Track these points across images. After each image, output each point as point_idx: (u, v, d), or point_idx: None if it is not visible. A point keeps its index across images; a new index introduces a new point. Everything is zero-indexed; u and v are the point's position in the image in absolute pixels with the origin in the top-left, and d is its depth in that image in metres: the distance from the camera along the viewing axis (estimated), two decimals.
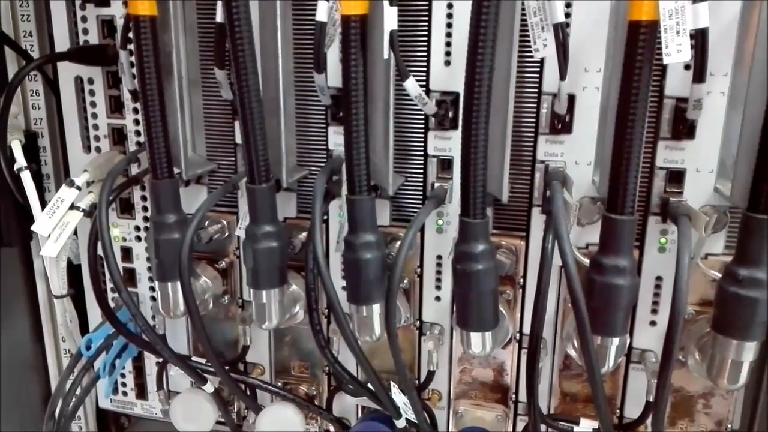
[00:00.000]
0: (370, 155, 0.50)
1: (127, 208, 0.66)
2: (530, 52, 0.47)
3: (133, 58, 0.56)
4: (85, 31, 0.61)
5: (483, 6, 0.42)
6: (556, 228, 0.46)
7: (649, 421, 0.54)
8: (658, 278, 0.54)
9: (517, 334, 0.59)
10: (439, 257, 0.58)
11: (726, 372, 0.47)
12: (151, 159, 0.55)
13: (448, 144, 0.55)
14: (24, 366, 0.75)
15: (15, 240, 0.68)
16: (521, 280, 0.57)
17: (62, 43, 0.62)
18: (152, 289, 0.68)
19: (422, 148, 0.56)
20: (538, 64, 0.51)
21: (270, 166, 0.53)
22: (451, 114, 0.54)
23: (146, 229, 0.66)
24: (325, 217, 0.60)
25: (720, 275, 0.46)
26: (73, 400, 0.66)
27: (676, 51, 0.42)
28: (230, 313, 0.67)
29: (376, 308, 0.53)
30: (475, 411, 0.62)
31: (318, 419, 0.68)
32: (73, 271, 0.68)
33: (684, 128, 0.50)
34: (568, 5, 0.49)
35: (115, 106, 0.63)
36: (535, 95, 0.52)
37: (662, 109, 0.50)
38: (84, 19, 0.60)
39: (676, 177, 0.51)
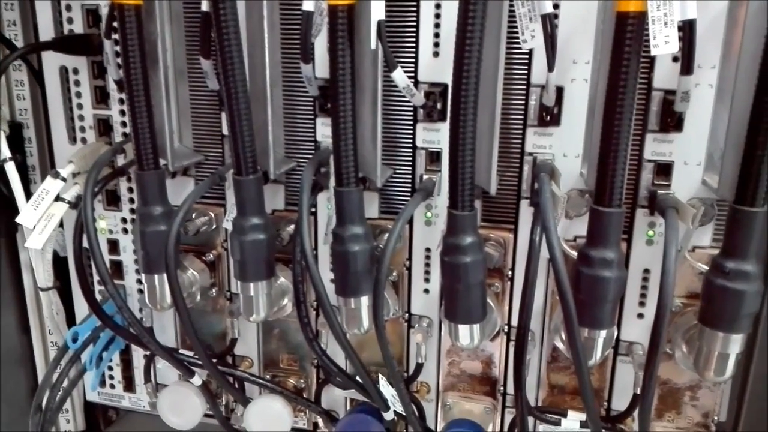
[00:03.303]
0: (358, 147, 0.50)
1: (113, 200, 0.66)
2: (518, 43, 0.47)
3: (118, 48, 0.55)
4: (70, 21, 0.60)
5: None
6: (544, 220, 0.46)
7: (636, 413, 0.54)
8: (646, 271, 0.54)
9: (506, 327, 0.59)
10: (428, 249, 0.58)
11: (713, 364, 0.48)
12: (136, 150, 0.54)
13: (437, 136, 0.55)
14: (10, 358, 0.75)
15: (0, 232, 0.67)
16: (509, 273, 0.57)
17: (47, 33, 0.61)
18: (139, 281, 0.68)
19: (411, 140, 0.56)
20: (527, 56, 0.51)
21: (257, 158, 0.52)
22: (439, 106, 0.54)
23: (133, 221, 0.66)
24: (313, 210, 0.60)
25: (707, 268, 0.47)
26: (60, 392, 0.66)
27: (663, 42, 0.42)
28: (218, 306, 0.67)
29: (365, 301, 0.53)
30: (464, 403, 0.62)
31: (306, 412, 0.68)
32: (60, 263, 0.68)
33: (672, 121, 0.50)
34: None
35: (101, 97, 0.63)
36: (524, 87, 0.52)
37: (650, 101, 0.50)
38: (68, 8, 0.60)
39: (664, 169, 0.51)
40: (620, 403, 0.58)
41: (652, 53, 0.42)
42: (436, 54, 0.53)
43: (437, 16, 0.52)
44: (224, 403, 0.70)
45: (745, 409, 0.55)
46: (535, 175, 0.53)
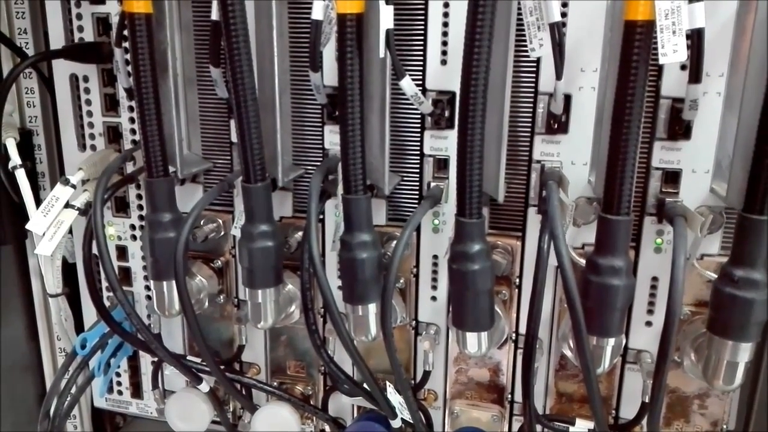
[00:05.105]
0: (366, 154, 0.50)
1: (122, 207, 0.66)
2: (526, 51, 0.47)
3: (128, 56, 0.55)
4: (81, 29, 0.61)
5: (479, 5, 0.42)
6: (552, 228, 0.46)
7: (644, 421, 0.54)
8: (654, 279, 0.54)
9: (513, 335, 0.59)
10: (435, 257, 0.58)
11: (722, 373, 0.47)
12: (146, 157, 0.55)
13: (445, 143, 0.55)
14: (19, 365, 0.75)
15: (9, 238, 0.68)
16: (517, 280, 0.57)
17: (57, 41, 0.62)
18: (148, 288, 0.68)
19: (418, 148, 0.56)
20: (535, 64, 0.51)
21: (266, 165, 0.53)
22: (447, 113, 0.54)
23: (141, 227, 0.66)
24: (321, 217, 0.60)
25: (716, 276, 0.46)
26: (68, 399, 0.66)
27: (672, 51, 0.42)
28: (226, 313, 0.67)
29: (372, 308, 0.53)
30: (471, 411, 0.62)
31: (313, 419, 0.68)
32: (69, 269, 0.68)
33: (680, 129, 0.50)
34: (564, 5, 0.49)
35: (111, 104, 0.63)
36: (532, 95, 0.52)
37: (658, 109, 0.50)
38: (79, 16, 0.60)
39: (672, 177, 0.51)
40: (628, 412, 0.57)
41: (661, 62, 0.42)
42: (443, 62, 0.53)
43: (445, 24, 0.52)
44: (231, 409, 0.70)
45: (754, 418, 0.54)
46: (543, 183, 0.53)
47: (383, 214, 0.59)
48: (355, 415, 0.66)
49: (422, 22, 0.53)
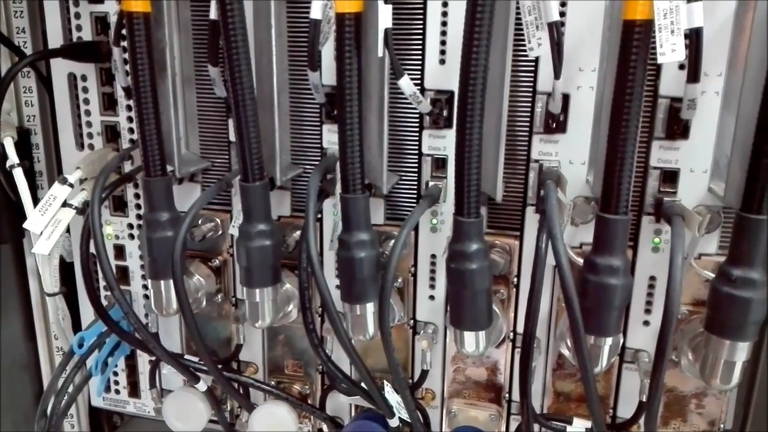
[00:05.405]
0: (364, 153, 0.50)
1: (120, 206, 0.66)
2: (525, 51, 0.47)
3: (126, 55, 0.55)
4: (79, 28, 0.61)
5: (478, 4, 0.42)
6: (550, 227, 0.46)
7: (641, 420, 0.54)
8: (652, 278, 0.54)
9: (511, 334, 0.59)
10: (433, 256, 0.58)
11: (719, 372, 0.47)
12: (144, 156, 0.55)
13: (443, 143, 0.55)
14: (16, 364, 0.75)
15: (7, 237, 0.67)
16: (515, 280, 0.57)
17: (55, 40, 0.62)
18: (145, 287, 0.68)
19: (417, 147, 0.56)
20: (533, 63, 0.51)
21: (264, 164, 0.53)
22: (445, 113, 0.54)
23: (139, 227, 0.66)
24: (319, 216, 0.60)
25: (713, 275, 0.47)
26: (65, 398, 0.66)
27: (670, 50, 0.42)
28: (223, 312, 0.67)
29: (370, 307, 0.53)
30: (469, 410, 0.62)
31: (311, 418, 0.68)
32: (66, 268, 0.68)
33: (678, 128, 0.50)
34: (562, 4, 0.49)
35: (109, 104, 0.63)
36: (530, 94, 0.52)
37: (656, 108, 0.50)
38: (77, 15, 0.60)
39: (670, 177, 0.51)
40: (626, 411, 0.57)
41: (659, 61, 0.42)
42: (442, 61, 0.53)
43: (444, 23, 0.52)
44: (229, 408, 0.70)
45: (752, 417, 0.54)
46: (541, 182, 0.53)
47: (381, 214, 0.59)
48: (353, 414, 0.66)
49: (421, 22, 0.53)
